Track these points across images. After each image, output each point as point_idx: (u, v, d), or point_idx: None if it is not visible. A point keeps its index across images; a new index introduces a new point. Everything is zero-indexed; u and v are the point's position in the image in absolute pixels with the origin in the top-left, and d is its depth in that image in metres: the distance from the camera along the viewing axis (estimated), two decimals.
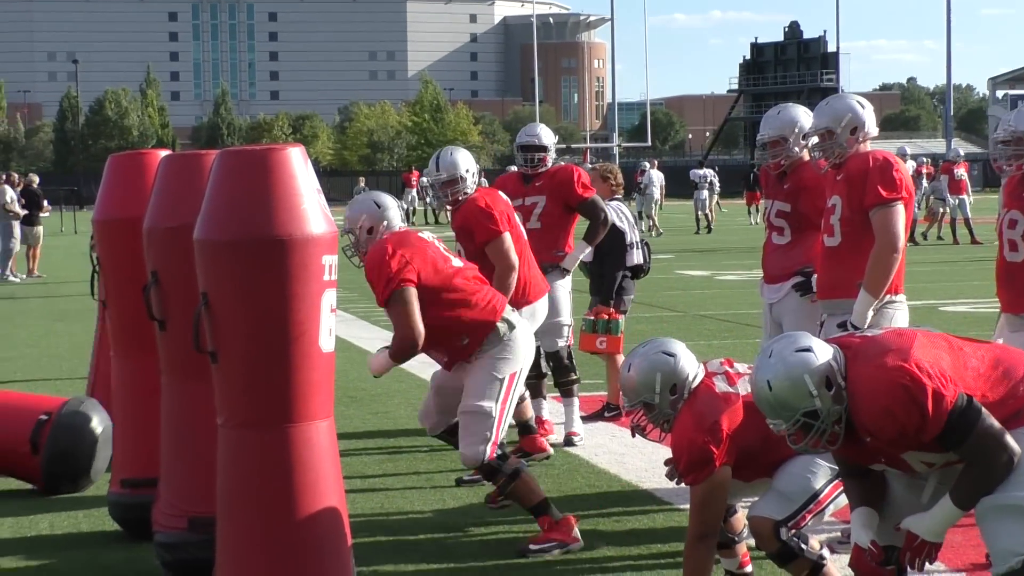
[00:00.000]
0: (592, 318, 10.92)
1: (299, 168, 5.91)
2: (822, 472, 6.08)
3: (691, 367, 6.18)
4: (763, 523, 6.05)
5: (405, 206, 54.30)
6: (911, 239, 33.88)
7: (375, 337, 13.93)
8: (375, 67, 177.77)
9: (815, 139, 7.55)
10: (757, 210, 45.23)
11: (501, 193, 9.70)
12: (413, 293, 7.29)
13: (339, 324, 6.13)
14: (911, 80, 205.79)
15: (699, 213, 44.29)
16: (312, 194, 5.91)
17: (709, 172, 45.14)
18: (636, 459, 9.71)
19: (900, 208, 7.27)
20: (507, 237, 9.16)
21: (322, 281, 5.90)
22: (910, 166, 35.11)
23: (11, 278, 29.32)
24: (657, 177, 43.95)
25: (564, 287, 10.37)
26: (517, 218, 9.70)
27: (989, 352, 5.45)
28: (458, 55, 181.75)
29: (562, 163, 10.95)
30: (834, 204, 7.41)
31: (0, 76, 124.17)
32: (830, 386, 5.25)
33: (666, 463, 6.40)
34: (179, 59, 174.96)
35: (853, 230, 7.33)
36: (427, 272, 7.39)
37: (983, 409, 5.21)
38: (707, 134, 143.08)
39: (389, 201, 7.75)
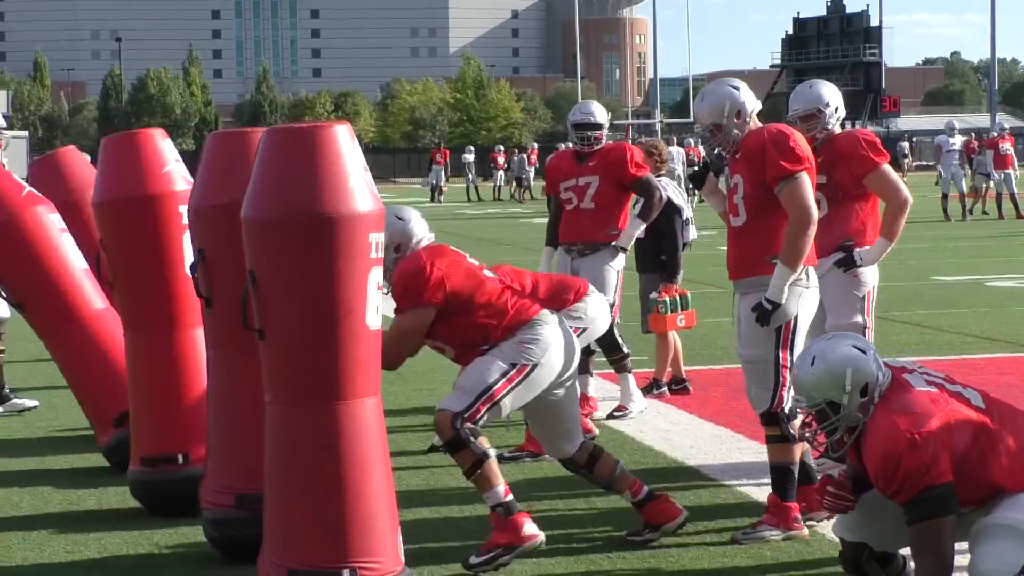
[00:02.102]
0: (666, 298, 10.81)
1: (346, 145, 5.91)
2: (496, 367, 6.83)
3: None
4: (443, 415, 6.75)
5: (434, 182, 54.29)
6: (945, 216, 33.74)
7: None
8: (417, 44, 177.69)
9: (706, 136, 7.42)
10: None
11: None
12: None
13: (384, 301, 6.13)
14: (955, 54, 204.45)
15: None
16: (359, 171, 5.91)
17: None
18: (682, 436, 9.70)
19: (804, 178, 7.12)
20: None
21: (369, 259, 5.90)
22: (959, 141, 34.83)
23: None
24: (678, 154, 43.57)
25: (615, 267, 10.33)
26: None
27: None
28: (500, 31, 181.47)
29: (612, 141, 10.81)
30: (736, 183, 7.30)
31: (44, 54, 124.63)
32: (864, 394, 5.51)
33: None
34: (221, 37, 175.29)
35: (756, 208, 7.20)
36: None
37: (950, 517, 5.42)
38: None
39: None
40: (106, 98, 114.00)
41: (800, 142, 7.21)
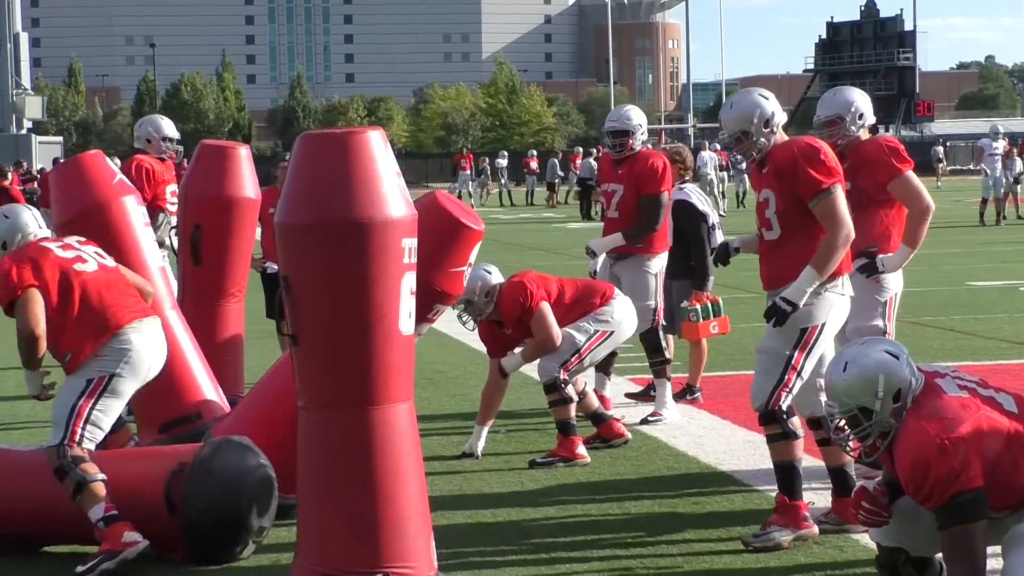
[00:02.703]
0: (697, 306, 10.75)
1: (379, 151, 5.93)
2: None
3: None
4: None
5: (458, 188, 54.29)
6: (980, 220, 33.62)
7: (451, 319, 14.06)
8: (450, 49, 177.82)
9: (731, 144, 7.41)
10: None
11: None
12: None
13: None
14: (989, 58, 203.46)
15: None
16: (392, 177, 5.93)
17: None
18: (715, 441, 9.68)
19: (839, 191, 7.16)
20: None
21: (402, 264, 5.92)
22: (1002, 144, 34.61)
23: None
24: (711, 158, 43.44)
25: (651, 270, 10.35)
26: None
27: None
28: (532, 36, 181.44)
29: (648, 148, 10.68)
30: (766, 198, 7.30)
31: (79, 60, 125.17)
32: (896, 399, 5.52)
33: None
34: (255, 42, 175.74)
35: (790, 222, 7.21)
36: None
37: (981, 522, 5.39)
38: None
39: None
40: (140, 104, 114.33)
41: (830, 154, 7.22)
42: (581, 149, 53.89)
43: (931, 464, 5.38)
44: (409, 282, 5.96)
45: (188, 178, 9.87)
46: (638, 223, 10.34)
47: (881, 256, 8.21)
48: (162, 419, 8.66)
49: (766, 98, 7.36)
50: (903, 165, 8.22)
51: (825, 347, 7.21)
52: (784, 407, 7.08)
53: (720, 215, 40.69)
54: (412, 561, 6.00)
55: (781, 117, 7.36)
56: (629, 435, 9.73)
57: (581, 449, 9.16)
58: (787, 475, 7.14)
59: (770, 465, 7.80)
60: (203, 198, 9.78)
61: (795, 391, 7.14)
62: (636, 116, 10.52)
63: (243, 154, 9.80)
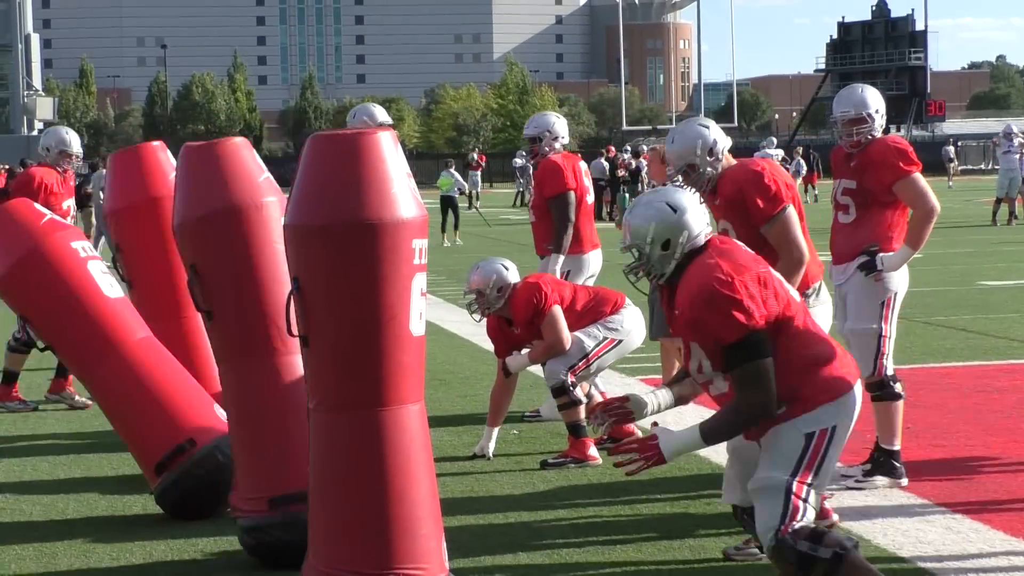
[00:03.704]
0: None
1: (389, 152, 5.92)
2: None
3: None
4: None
5: (467, 189, 54.25)
6: (993, 220, 33.56)
7: (462, 320, 13.99)
8: (461, 50, 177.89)
9: (679, 178, 7.35)
10: (808, 190, 46.86)
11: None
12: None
13: (427, 307, 6.12)
14: (1000, 58, 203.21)
15: None
16: (402, 178, 5.92)
17: (781, 152, 44.62)
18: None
19: (789, 213, 7.16)
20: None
21: (412, 265, 5.91)
22: (1018, 143, 34.43)
23: None
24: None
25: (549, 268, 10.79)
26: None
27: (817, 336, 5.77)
28: (543, 37, 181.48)
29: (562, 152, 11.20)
30: (725, 228, 7.32)
31: (90, 61, 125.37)
32: (666, 247, 5.73)
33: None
34: (266, 43, 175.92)
35: (755, 246, 7.16)
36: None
37: (769, 359, 5.48)
38: (794, 114, 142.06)
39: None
40: (151, 105, 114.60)
41: (774, 176, 7.19)
42: (614, 148, 54.02)
43: (715, 295, 5.51)
44: (420, 283, 5.95)
45: (106, 197, 9.38)
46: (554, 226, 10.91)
47: (881, 255, 8.20)
48: (155, 459, 8.12)
49: (707, 127, 7.36)
50: (910, 167, 8.20)
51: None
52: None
53: None
54: (423, 562, 5.99)
55: (725, 143, 7.37)
56: (640, 434, 9.71)
57: (592, 451, 9.16)
58: None
59: None
60: (120, 212, 9.24)
61: None
62: (554, 120, 11.13)
63: (156, 148, 9.28)
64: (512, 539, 7.40)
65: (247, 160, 7.17)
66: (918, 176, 8.24)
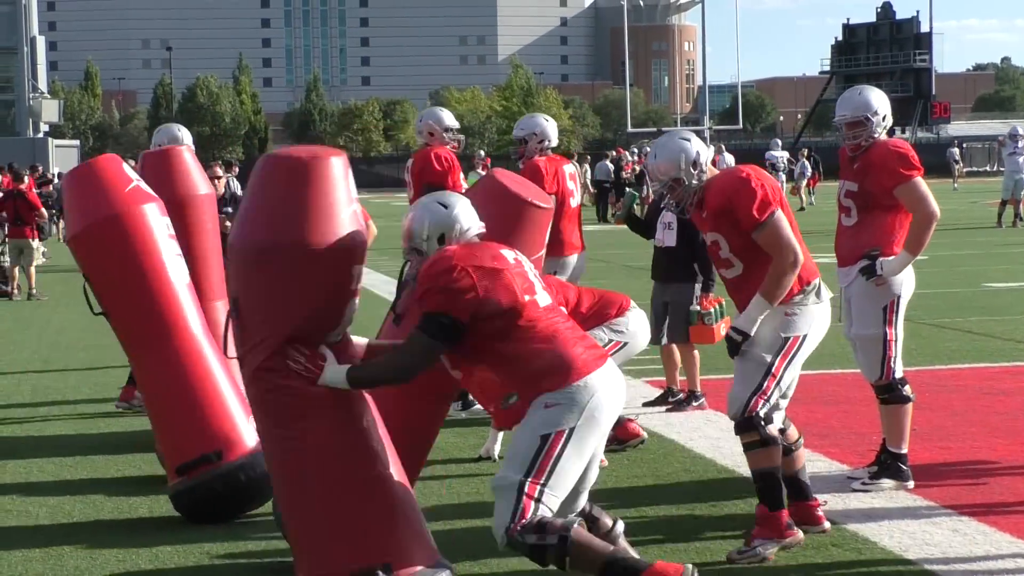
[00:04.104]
0: (711, 309, 10.56)
1: (339, 176, 5.93)
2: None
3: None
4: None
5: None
6: (998, 222, 33.53)
7: None
8: (465, 52, 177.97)
9: (667, 192, 7.36)
10: (811, 192, 46.73)
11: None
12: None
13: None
14: (1005, 60, 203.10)
15: None
16: (347, 203, 5.94)
17: (786, 153, 44.59)
18: (732, 443, 9.63)
19: (778, 218, 7.09)
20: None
21: (349, 290, 5.97)
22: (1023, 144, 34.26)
23: None
24: (731, 161, 43.48)
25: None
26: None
27: None
28: (548, 39, 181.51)
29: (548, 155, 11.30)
30: (715, 240, 7.29)
31: (95, 64, 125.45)
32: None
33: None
34: (271, 45, 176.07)
35: (749, 256, 7.20)
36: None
37: (447, 342, 5.90)
38: (799, 116, 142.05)
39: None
40: (157, 107, 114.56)
41: (760, 181, 7.16)
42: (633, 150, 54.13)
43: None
44: (353, 308, 6.01)
45: (66, 222, 8.32)
46: None
47: (882, 259, 8.19)
48: (180, 459, 8.03)
49: (688, 139, 7.32)
50: (910, 171, 8.18)
51: (804, 358, 7.23)
52: (762, 414, 7.04)
53: None
54: (411, 551, 5.98)
55: (707, 155, 7.34)
56: (645, 435, 9.72)
57: None
58: (767, 484, 7.05)
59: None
60: (80, 236, 8.06)
61: (772, 400, 7.10)
62: (542, 123, 11.27)
63: (108, 163, 8.40)
64: None
65: (117, 173, 8.01)
66: (919, 181, 8.21)
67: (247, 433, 8.01)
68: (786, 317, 7.14)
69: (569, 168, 11.26)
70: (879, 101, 8.35)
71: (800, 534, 7.08)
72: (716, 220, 7.18)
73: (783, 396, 7.22)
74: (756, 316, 7.11)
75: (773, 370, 7.09)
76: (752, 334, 7.11)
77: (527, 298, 6.00)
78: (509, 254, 6.16)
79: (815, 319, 7.24)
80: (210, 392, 8.06)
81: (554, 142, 11.23)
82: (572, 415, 5.87)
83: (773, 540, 6.98)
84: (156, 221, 8.08)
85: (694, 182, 7.22)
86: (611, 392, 6.01)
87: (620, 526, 6.45)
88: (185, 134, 11.69)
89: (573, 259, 11.06)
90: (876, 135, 8.28)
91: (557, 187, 10.91)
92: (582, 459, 5.96)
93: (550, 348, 5.95)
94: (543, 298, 6.13)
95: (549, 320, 6.04)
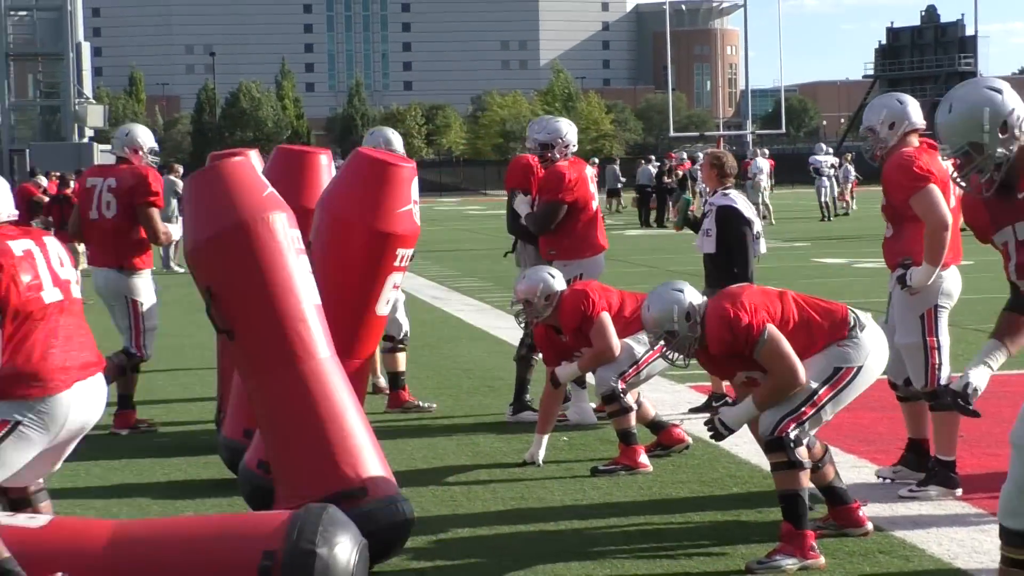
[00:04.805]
0: None
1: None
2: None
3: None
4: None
5: None
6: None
7: (510, 326, 14.03)
8: (507, 56, 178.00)
9: (664, 344, 7.45)
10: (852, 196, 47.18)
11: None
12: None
13: (476, 313, 6.12)
14: None
15: (821, 200, 43.67)
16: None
17: (831, 158, 44.42)
18: None
19: (770, 334, 6.98)
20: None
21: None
22: None
23: (176, 268, 29.64)
24: (765, 165, 43.38)
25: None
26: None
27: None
28: (590, 44, 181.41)
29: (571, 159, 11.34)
30: (751, 376, 7.28)
31: (140, 69, 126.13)
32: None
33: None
34: (314, 50, 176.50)
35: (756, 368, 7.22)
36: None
37: None
38: (842, 121, 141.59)
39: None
40: (200, 112, 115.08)
41: (740, 308, 7.00)
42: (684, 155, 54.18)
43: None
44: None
45: (189, 227, 7.36)
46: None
47: (912, 269, 8.17)
48: (317, 490, 6.82)
49: (681, 291, 7.29)
50: (917, 182, 8.12)
51: (859, 390, 7.19)
52: (792, 436, 6.97)
53: (771, 223, 40.82)
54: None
55: (701, 303, 7.23)
56: (690, 440, 9.69)
57: (643, 458, 9.14)
58: (792, 504, 6.96)
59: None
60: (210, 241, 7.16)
61: (807, 426, 7.03)
62: (565, 127, 11.29)
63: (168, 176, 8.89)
64: (563, 546, 7.38)
65: (251, 177, 7.21)
66: (928, 190, 8.10)
67: (382, 471, 7.09)
68: (839, 348, 7.11)
69: (589, 171, 11.30)
70: (886, 111, 8.38)
71: (822, 560, 6.94)
72: (731, 362, 7.17)
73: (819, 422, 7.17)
74: (745, 419, 7.13)
75: (815, 398, 7.02)
76: (736, 431, 7.17)
77: (30, 294, 6.01)
78: (18, 245, 6.11)
79: (871, 350, 7.17)
80: (338, 425, 7.03)
81: (575, 146, 11.26)
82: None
83: (796, 557, 6.87)
84: (285, 232, 7.11)
85: (688, 333, 7.19)
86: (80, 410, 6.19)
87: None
88: (397, 137, 11.74)
89: (590, 262, 11.05)
90: (886, 144, 8.34)
91: (577, 193, 10.94)
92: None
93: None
94: (52, 294, 6.11)
95: (51, 321, 6.07)
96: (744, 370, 7.17)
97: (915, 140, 8.35)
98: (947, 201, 8.09)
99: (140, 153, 11.49)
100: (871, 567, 6.89)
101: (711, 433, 7.18)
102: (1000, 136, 5.68)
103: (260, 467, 7.54)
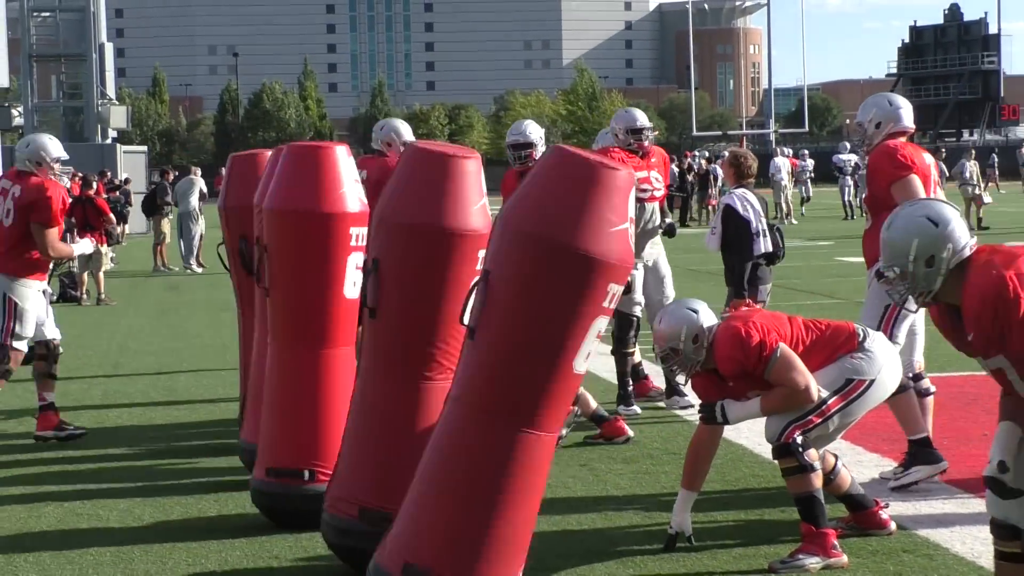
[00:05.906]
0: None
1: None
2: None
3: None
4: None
5: None
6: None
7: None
8: (530, 56, 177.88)
9: (668, 361, 7.34)
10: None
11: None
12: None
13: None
14: None
15: (845, 199, 43.58)
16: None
17: (854, 157, 44.28)
18: None
19: (781, 353, 7.02)
20: None
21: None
22: None
23: (196, 269, 29.73)
24: (784, 164, 43.25)
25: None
26: None
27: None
28: (613, 43, 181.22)
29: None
30: (755, 395, 7.25)
31: (163, 70, 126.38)
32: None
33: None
34: (336, 51, 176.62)
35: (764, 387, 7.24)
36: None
37: None
38: None
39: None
40: (223, 113, 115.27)
41: (750, 329, 7.02)
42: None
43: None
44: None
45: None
46: None
47: None
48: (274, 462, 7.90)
49: (696, 311, 7.23)
50: (899, 170, 8.31)
51: (872, 403, 7.17)
52: (799, 441, 6.95)
53: (791, 222, 40.71)
54: None
55: (712, 323, 7.19)
56: (631, 433, 9.93)
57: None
58: (808, 506, 6.96)
59: (856, 474, 7.77)
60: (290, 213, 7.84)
61: (812, 435, 7.02)
62: (534, 130, 11.37)
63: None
64: (586, 545, 7.39)
65: (345, 167, 7.88)
66: (910, 179, 8.29)
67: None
68: (852, 360, 7.10)
69: None
70: (875, 109, 8.62)
71: (844, 559, 6.94)
72: (741, 383, 7.15)
73: (836, 430, 7.14)
74: (746, 418, 7.16)
75: (824, 407, 7.01)
76: (730, 424, 7.22)
77: None
78: None
79: (884, 364, 7.17)
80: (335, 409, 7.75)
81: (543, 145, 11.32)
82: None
83: (819, 557, 6.88)
84: (345, 231, 7.77)
85: (692, 355, 7.17)
86: None
87: None
88: (406, 128, 11.80)
89: None
90: (872, 143, 8.56)
91: None
92: None
93: None
94: None
95: None
96: (751, 390, 7.13)
97: (901, 140, 8.52)
98: (928, 195, 8.10)
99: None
100: (894, 566, 6.88)
101: (704, 414, 7.18)
102: (925, 269, 5.53)
103: (270, 475, 7.87)
